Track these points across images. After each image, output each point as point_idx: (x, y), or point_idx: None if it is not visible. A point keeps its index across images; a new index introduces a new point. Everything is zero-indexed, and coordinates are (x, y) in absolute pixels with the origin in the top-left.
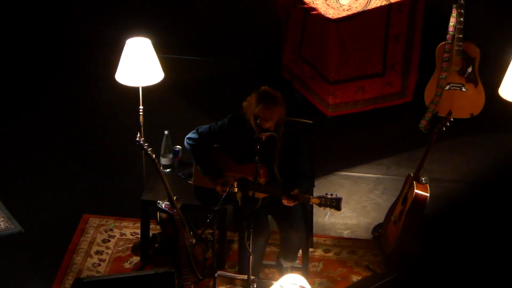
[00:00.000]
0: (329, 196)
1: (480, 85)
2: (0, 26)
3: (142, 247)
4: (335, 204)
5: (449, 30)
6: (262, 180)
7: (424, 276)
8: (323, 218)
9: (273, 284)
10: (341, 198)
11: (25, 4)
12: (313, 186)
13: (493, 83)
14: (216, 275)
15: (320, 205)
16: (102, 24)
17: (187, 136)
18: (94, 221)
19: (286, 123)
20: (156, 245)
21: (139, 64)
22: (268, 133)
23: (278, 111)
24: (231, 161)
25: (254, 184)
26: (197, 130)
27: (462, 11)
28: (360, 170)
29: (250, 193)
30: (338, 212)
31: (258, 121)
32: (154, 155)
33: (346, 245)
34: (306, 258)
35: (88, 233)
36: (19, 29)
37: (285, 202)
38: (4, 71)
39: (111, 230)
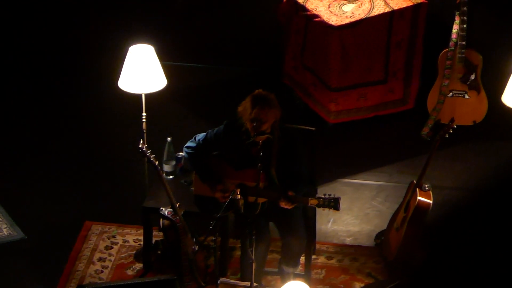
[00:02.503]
0: (327, 197)
1: (483, 92)
2: (4, 31)
3: (144, 254)
4: (333, 204)
5: (452, 37)
6: (260, 185)
7: (426, 283)
8: (326, 225)
9: None
10: (339, 198)
11: (28, 10)
12: (316, 193)
13: (496, 90)
14: (218, 282)
15: (318, 205)
16: (105, 31)
17: (185, 145)
18: (96, 227)
19: (283, 127)
20: (158, 252)
21: (142, 71)
22: (264, 136)
23: (274, 112)
24: (229, 167)
25: (253, 190)
26: (195, 139)
27: (465, 18)
28: (362, 177)
29: (252, 199)
30: (340, 215)
31: (255, 124)
32: (156, 162)
33: (349, 252)
34: (308, 265)
35: (90, 240)
36: (23, 34)
37: (282, 204)
38: (7, 77)
39: (114, 237)
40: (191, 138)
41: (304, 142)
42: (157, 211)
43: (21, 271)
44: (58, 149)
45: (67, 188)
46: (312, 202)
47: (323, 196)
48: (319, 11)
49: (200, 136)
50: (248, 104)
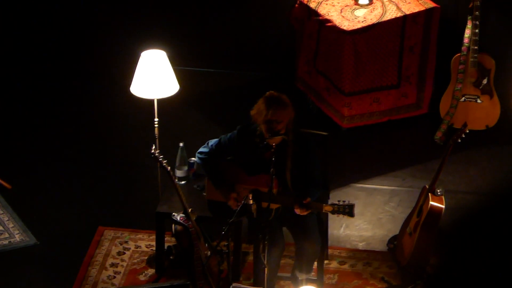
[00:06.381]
0: (341, 203)
1: (496, 97)
2: (18, 37)
3: (157, 259)
4: (348, 210)
5: (464, 41)
6: (274, 191)
7: None
8: (338, 230)
9: None
10: (354, 204)
11: (40, 16)
12: (328, 198)
13: (509, 95)
14: (231, 287)
15: (333, 212)
16: (117, 36)
17: (198, 150)
18: (109, 233)
19: (297, 131)
20: (171, 257)
21: (154, 76)
22: (279, 138)
23: (288, 112)
24: (243, 173)
25: (267, 195)
26: (207, 144)
27: (477, 22)
28: (375, 182)
29: (265, 204)
30: (353, 220)
31: (270, 125)
32: (169, 167)
33: (361, 257)
34: (321, 270)
35: (103, 246)
36: (34, 41)
37: (297, 211)
38: (19, 84)
39: (126, 242)
40: (204, 144)
41: (317, 146)
42: (170, 216)
43: (34, 277)
44: (70, 155)
45: (79, 194)
46: (327, 208)
47: (337, 203)
48: (331, 16)
49: (213, 141)
50: (262, 106)
